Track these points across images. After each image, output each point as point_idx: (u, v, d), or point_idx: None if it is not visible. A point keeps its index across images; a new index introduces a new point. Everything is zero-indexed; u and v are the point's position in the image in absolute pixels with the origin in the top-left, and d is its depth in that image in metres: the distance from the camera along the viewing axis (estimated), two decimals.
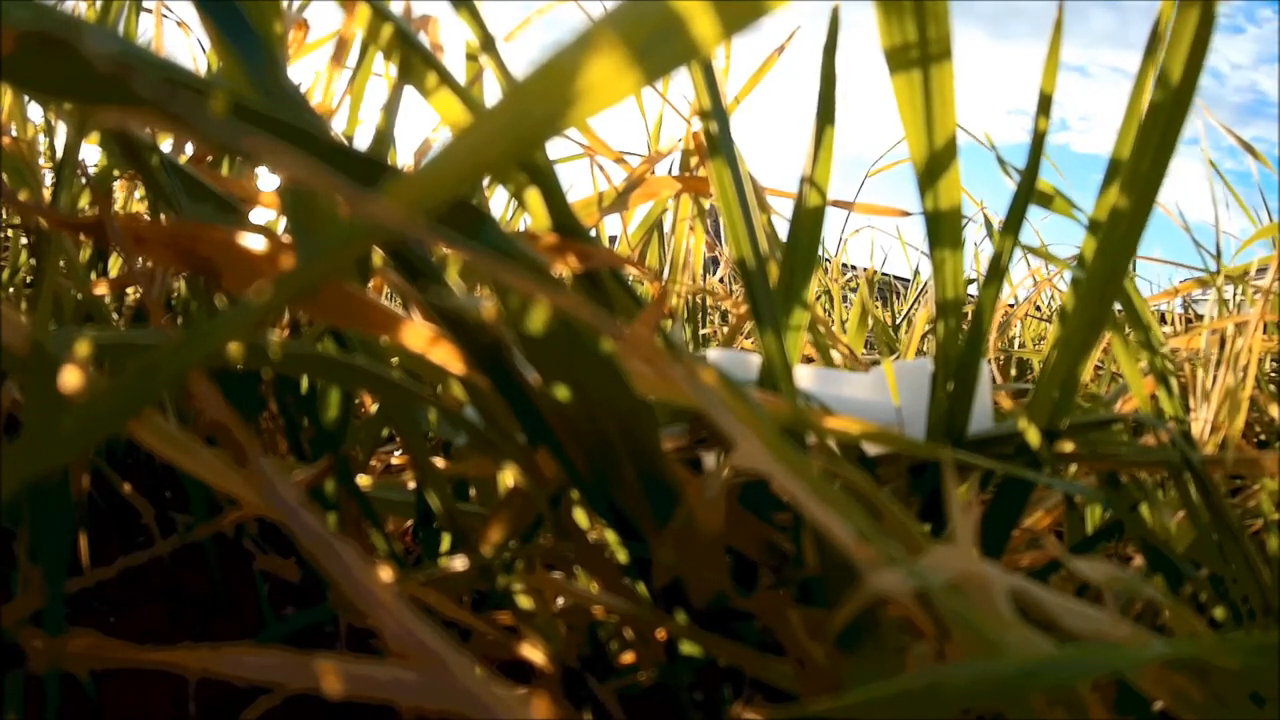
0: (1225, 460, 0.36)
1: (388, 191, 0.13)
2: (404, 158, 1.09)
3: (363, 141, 0.61)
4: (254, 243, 0.21)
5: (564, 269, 0.29)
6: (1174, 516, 0.41)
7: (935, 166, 0.31)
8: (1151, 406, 0.47)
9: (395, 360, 0.35)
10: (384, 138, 0.42)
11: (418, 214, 0.13)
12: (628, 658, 0.32)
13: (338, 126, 0.58)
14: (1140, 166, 0.29)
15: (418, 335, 0.26)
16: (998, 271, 0.34)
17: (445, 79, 0.30)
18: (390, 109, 0.42)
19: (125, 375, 0.14)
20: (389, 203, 0.13)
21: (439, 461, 0.36)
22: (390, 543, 0.37)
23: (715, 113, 0.33)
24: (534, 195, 0.29)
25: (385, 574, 0.16)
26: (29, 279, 0.62)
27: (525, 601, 0.32)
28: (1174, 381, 0.45)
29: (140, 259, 0.25)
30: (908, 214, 0.68)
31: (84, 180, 0.58)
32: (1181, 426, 0.45)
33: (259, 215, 0.40)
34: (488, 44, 0.33)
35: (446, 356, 0.27)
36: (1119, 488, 0.36)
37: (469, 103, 0.31)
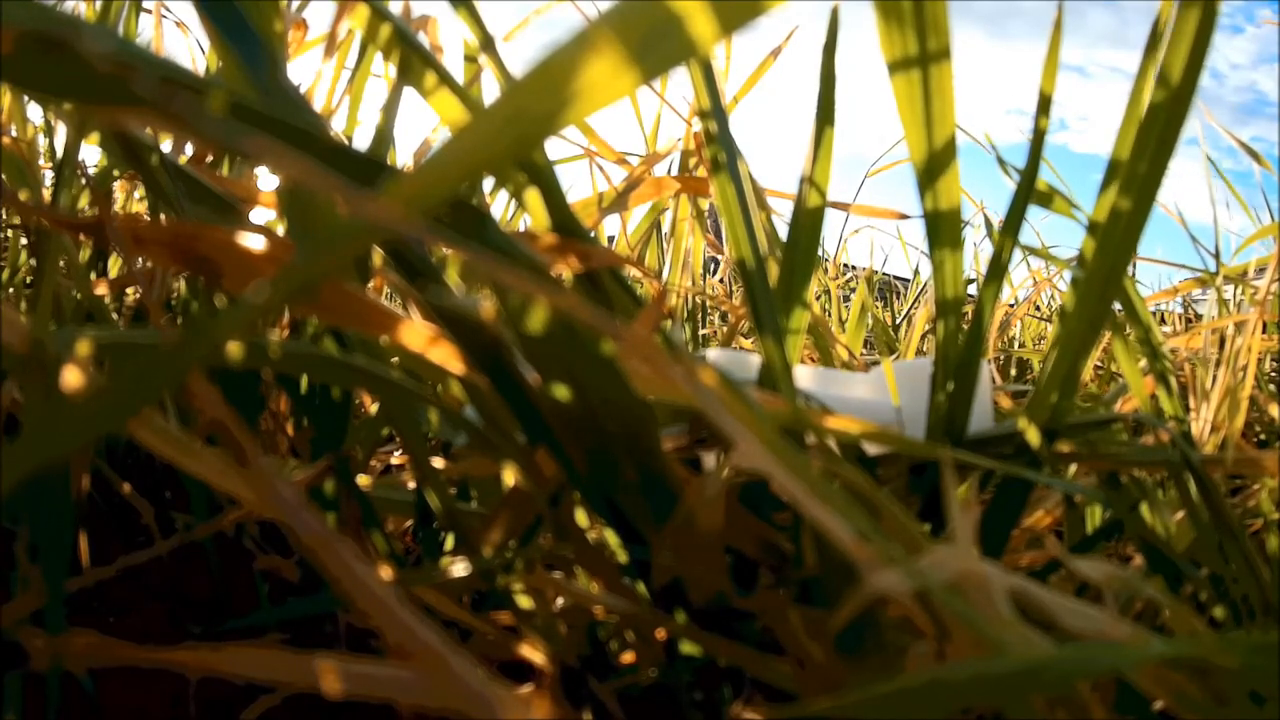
0: (1225, 460, 0.36)
1: (386, 190, 0.13)
2: (403, 158, 1.09)
3: (362, 141, 0.61)
4: (254, 242, 0.21)
5: (564, 269, 0.29)
6: (1174, 516, 0.41)
7: (935, 166, 0.31)
8: (1151, 406, 0.47)
9: (395, 360, 0.35)
10: (383, 137, 0.42)
11: (416, 213, 0.13)
12: (628, 658, 0.32)
13: (337, 126, 0.58)
14: (1139, 166, 0.29)
15: (417, 335, 0.26)
16: (997, 271, 0.34)
17: (444, 79, 0.30)
18: (389, 109, 0.42)
19: (125, 374, 0.14)
20: (387, 202, 0.13)
21: (439, 462, 0.36)
22: (390, 543, 0.37)
23: (714, 112, 0.33)
24: (534, 195, 0.29)
25: (385, 574, 0.16)
26: (29, 279, 0.62)
27: (525, 601, 0.32)
28: (1174, 381, 0.45)
29: (140, 259, 0.25)
30: (906, 216, 0.68)
31: (84, 180, 0.58)
32: (1182, 426, 0.45)
33: (258, 215, 0.40)
34: (487, 44, 0.33)
35: (446, 356, 0.27)
36: (1119, 488, 0.36)
37: (468, 102, 0.31)
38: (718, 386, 0.22)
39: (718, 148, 0.33)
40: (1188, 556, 0.37)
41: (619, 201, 0.58)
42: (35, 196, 0.52)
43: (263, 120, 0.19)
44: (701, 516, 0.25)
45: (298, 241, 0.27)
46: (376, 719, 0.36)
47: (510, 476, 0.33)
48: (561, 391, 0.26)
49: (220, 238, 0.21)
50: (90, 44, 0.15)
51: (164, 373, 0.15)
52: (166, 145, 0.35)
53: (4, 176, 0.52)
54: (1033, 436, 0.32)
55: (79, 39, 0.15)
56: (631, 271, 0.79)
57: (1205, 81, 0.28)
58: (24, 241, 0.64)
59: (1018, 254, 0.77)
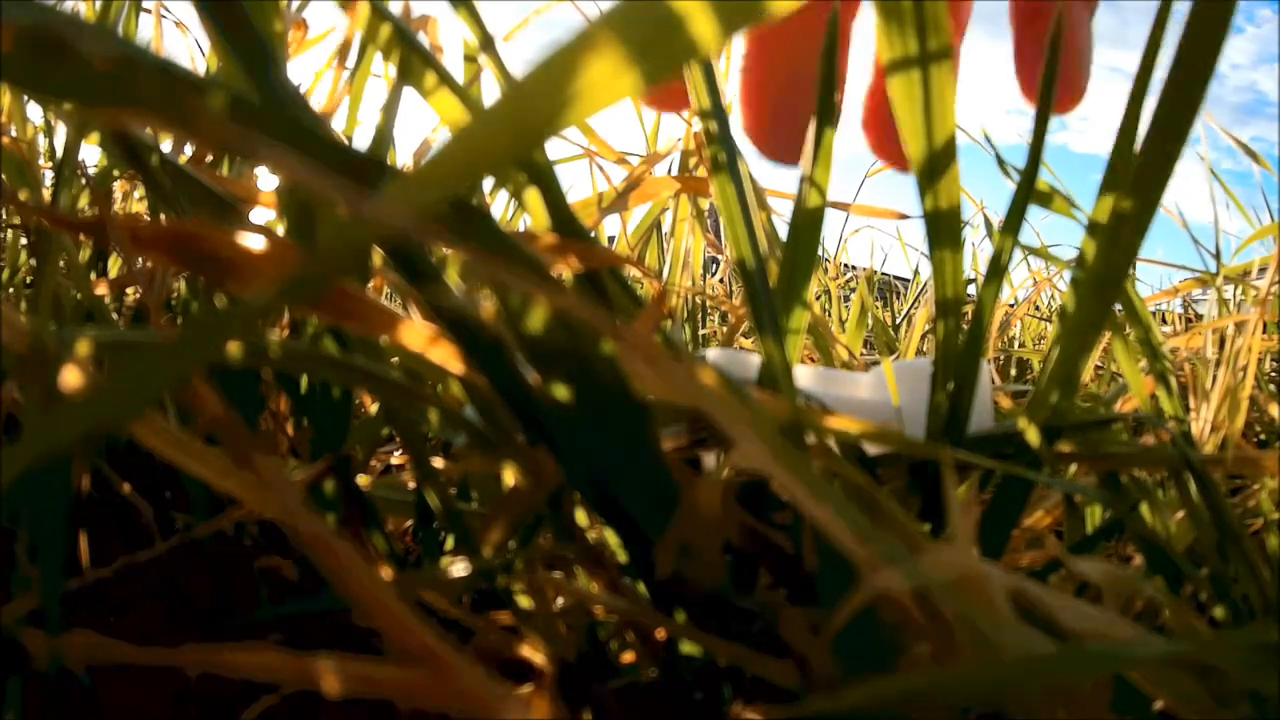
0: (1226, 459, 0.36)
1: (387, 191, 0.13)
2: (403, 158, 1.09)
3: (362, 141, 0.61)
4: (254, 243, 0.21)
5: (565, 269, 0.29)
6: (1174, 517, 0.41)
7: (935, 167, 0.31)
8: (1151, 407, 0.47)
9: (395, 360, 0.35)
10: (383, 137, 0.42)
11: (416, 213, 0.13)
12: (628, 658, 0.32)
13: (338, 126, 0.58)
14: (1147, 170, 0.29)
15: (417, 336, 0.26)
16: (997, 271, 0.34)
17: (444, 79, 0.30)
18: (389, 109, 0.42)
19: (127, 373, 0.14)
20: (388, 202, 0.13)
21: (439, 462, 0.36)
22: (390, 543, 0.37)
23: (715, 112, 0.33)
24: (534, 195, 0.29)
25: (384, 574, 0.16)
26: (29, 279, 0.62)
27: (525, 601, 0.32)
28: (1174, 382, 0.45)
29: (140, 260, 0.25)
30: (905, 216, 0.68)
31: (84, 180, 0.58)
32: (1182, 426, 0.45)
33: (259, 215, 0.40)
34: (487, 44, 0.33)
35: (446, 356, 0.27)
36: (1119, 488, 0.36)
37: (468, 103, 0.31)
38: (718, 387, 0.22)
39: (718, 148, 0.33)
40: (1187, 556, 0.37)
41: (619, 202, 0.58)
42: (35, 196, 0.52)
43: (262, 120, 0.19)
44: (701, 517, 0.25)
45: (298, 242, 0.27)
46: (377, 718, 0.36)
47: (510, 476, 0.33)
48: (561, 391, 0.26)
49: (221, 238, 0.21)
50: (90, 44, 0.15)
51: (166, 372, 0.15)
52: (167, 145, 0.35)
53: (4, 176, 0.52)
54: (1032, 436, 0.32)
55: (79, 39, 0.15)
56: (631, 271, 0.79)
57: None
58: (24, 241, 0.64)
59: (1018, 254, 0.77)
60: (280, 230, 0.39)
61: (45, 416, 0.14)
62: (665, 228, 0.92)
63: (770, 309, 0.31)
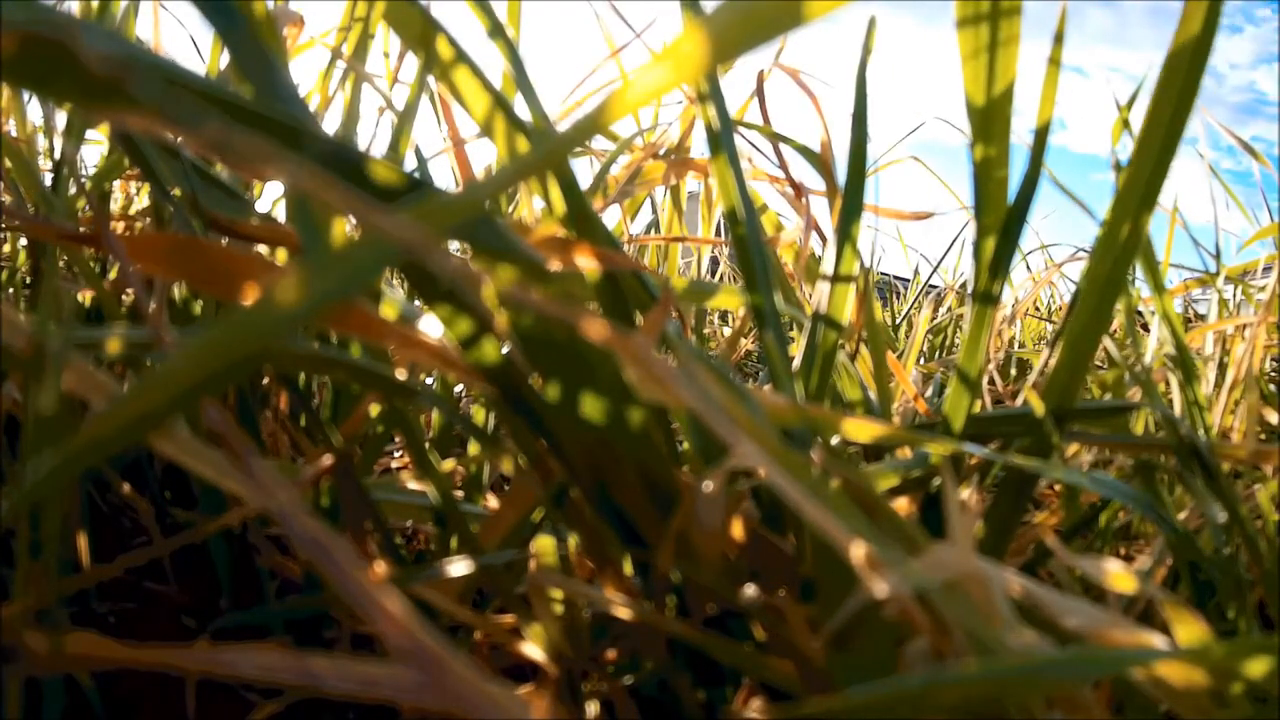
0: (1239, 449, 0.36)
1: (412, 208, 0.13)
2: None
3: (362, 140, 0.61)
4: (252, 255, 0.21)
5: (585, 268, 0.29)
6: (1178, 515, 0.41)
7: (990, 119, 0.31)
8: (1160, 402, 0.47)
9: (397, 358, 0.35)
10: (399, 139, 0.42)
11: (437, 232, 0.13)
12: (628, 657, 0.32)
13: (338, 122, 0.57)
14: (1141, 170, 0.29)
15: (426, 348, 0.26)
16: (998, 271, 0.34)
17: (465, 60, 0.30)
18: (408, 112, 0.42)
19: (149, 384, 0.14)
20: (407, 220, 0.13)
21: (440, 462, 0.36)
22: (391, 543, 0.37)
23: (715, 97, 0.33)
24: (554, 189, 0.29)
25: (382, 575, 0.16)
26: (28, 279, 0.62)
27: (526, 601, 0.32)
28: (1176, 379, 0.45)
29: (137, 268, 0.25)
30: (929, 215, 0.67)
31: (81, 183, 0.58)
32: (1201, 411, 0.45)
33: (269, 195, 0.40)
34: (495, 30, 0.33)
35: (453, 365, 0.27)
36: (1133, 480, 0.36)
37: (493, 92, 0.31)
38: (715, 389, 0.22)
39: (719, 142, 0.33)
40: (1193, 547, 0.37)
41: (622, 192, 0.58)
42: (34, 196, 0.52)
43: (262, 122, 0.19)
44: (701, 517, 0.25)
45: (307, 245, 0.27)
46: (379, 716, 0.36)
47: (514, 477, 0.33)
48: (565, 394, 0.26)
49: (218, 251, 0.21)
50: (89, 45, 0.15)
51: (193, 382, 0.14)
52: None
53: (3, 183, 0.52)
54: (1040, 409, 0.32)
55: (78, 40, 0.15)
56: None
57: (1204, 81, 0.28)
58: (23, 242, 0.64)
59: (1016, 255, 0.76)
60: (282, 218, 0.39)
61: (77, 438, 0.14)
62: (663, 228, 0.92)
63: (772, 304, 0.31)
